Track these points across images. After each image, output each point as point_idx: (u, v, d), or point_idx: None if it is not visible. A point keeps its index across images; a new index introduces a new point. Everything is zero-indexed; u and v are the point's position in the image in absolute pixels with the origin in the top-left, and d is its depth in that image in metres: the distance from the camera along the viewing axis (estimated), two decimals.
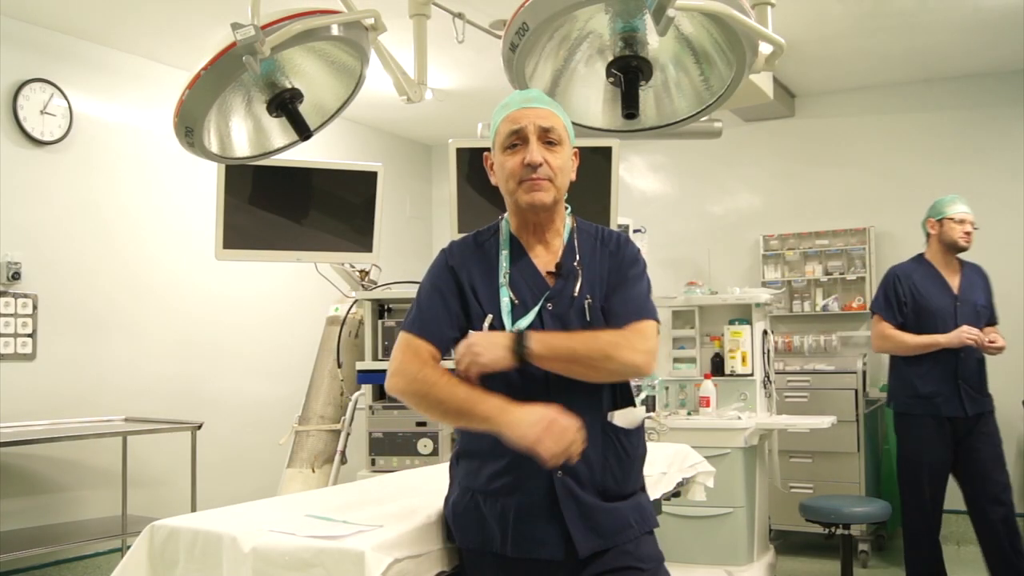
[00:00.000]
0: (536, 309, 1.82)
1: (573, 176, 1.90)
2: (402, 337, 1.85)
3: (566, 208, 1.93)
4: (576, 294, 1.83)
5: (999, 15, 4.71)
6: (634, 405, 1.88)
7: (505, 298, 1.83)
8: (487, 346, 1.74)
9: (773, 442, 4.74)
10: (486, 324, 1.82)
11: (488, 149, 1.92)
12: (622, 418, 1.85)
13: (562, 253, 1.88)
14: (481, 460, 1.83)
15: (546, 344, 1.73)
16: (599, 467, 1.80)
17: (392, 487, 2.37)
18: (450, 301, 1.85)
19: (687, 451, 2.95)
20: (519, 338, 1.73)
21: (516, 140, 1.82)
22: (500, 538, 1.79)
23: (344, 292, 4.11)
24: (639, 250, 1.93)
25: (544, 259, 1.88)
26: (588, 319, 1.81)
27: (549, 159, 1.81)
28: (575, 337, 1.76)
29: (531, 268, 1.86)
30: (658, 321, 1.85)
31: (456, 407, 1.74)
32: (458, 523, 1.85)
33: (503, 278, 1.84)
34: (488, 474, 1.81)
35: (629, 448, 1.85)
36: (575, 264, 1.85)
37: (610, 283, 1.85)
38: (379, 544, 1.71)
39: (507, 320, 1.81)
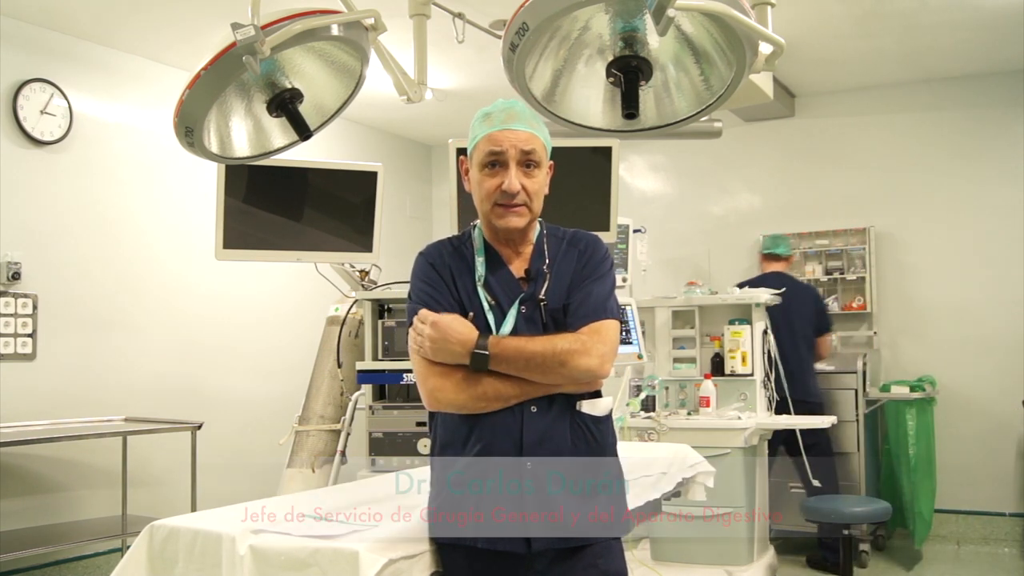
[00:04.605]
0: (514, 313, 1.86)
1: (546, 191, 1.95)
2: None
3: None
4: (543, 296, 1.87)
5: (999, 15, 4.71)
6: (600, 396, 1.91)
7: (483, 301, 1.87)
8: (445, 352, 1.79)
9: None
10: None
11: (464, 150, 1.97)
12: (591, 406, 1.88)
13: (531, 258, 1.93)
14: (455, 451, 1.86)
15: (503, 350, 1.78)
16: (569, 456, 1.83)
17: (390, 487, 2.37)
18: (443, 290, 1.89)
19: (687, 451, 2.95)
20: (477, 359, 1.77)
21: (495, 161, 1.87)
22: (471, 529, 1.81)
23: (344, 292, 4.11)
24: (608, 250, 1.98)
25: (517, 264, 1.93)
26: (546, 321, 1.86)
27: (527, 184, 1.87)
28: (532, 343, 1.80)
29: (506, 272, 1.92)
30: (619, 319, 1.90)
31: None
32: (434, 517, 1.88)
33: (479, 281, 1.89)
34: (462, 464, 1.84)
35: (599, 436, 1.89)
36: (544, 268, 1.91)
37: (573, 281, 1.90)
38: (374, 544, 1.72)
39: (490, 318, 1.86)
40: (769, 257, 5.38)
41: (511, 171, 1.85)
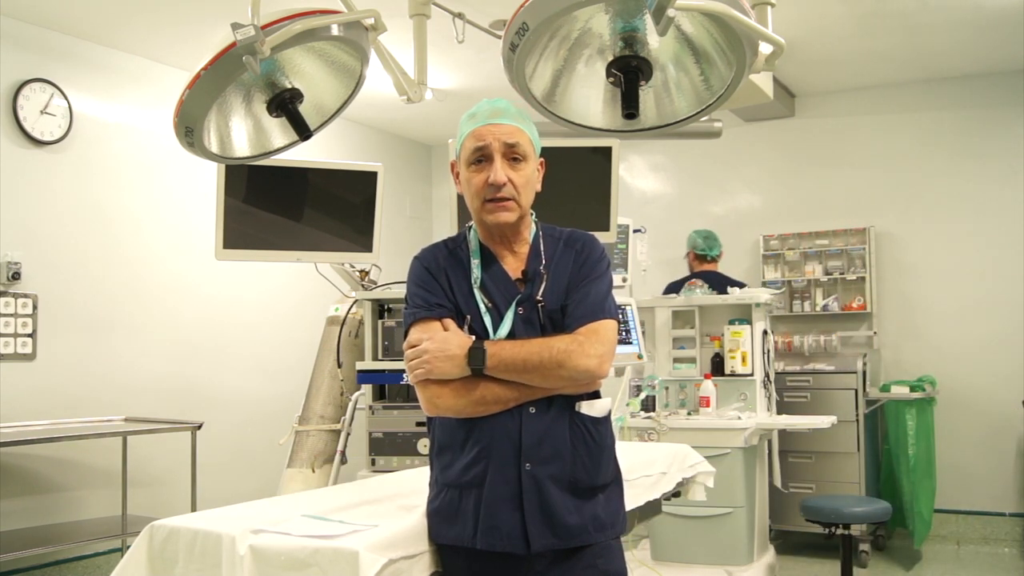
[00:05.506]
0: (511, 315, 1.85)
1: (538, 187, 1.94)
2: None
3: (531, 214, 1.97)
4: (540, 297, 1.87)
5: (999, 15, 4.71)
6: (599, 397, 1.91)
7: (480, 303, 1.87)
8: (441, 360, 1.79)
9: (774, 442, 4.74)
10: (465, 327, 1.86)
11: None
12: (590, 407, 1.87)
13: (528, 258, 1.92)
14: (453, 453, 1.86)
15: (499, 357, 1.78)
16: (569, 457, 1.82)
17: (390, 487, 2.37)
18: (439, 293, 1.89)
19: (687, 451, 2.95)
20: (474, 355, 1.77)
21: (481, 156, 1.86)
22: (470, 531, 1.81)
23: (344, 292, 4.11)
24: (605, 250, 1.97)
25: (513, 265, 1.92)
26: (543, 322, 1.85)
27: (513, 177, 1.86)
28: (528, 346, 1.79)
29: (502, 274, 1.91)
30: (616, 319, 1.89)
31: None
32: (434, 519, 1.88)
33: (475, 283, 1.88)
34: (460, 466, 1.84)
35: (598, 437, 1.88)
36: (541, 268, 1.90)
37: (571, 281, 1.89)
38: (374, 544, 1.72)
39: (487, 321, 1.85)
40: (701, 258, 5.35)
41: (496, 164, 1.85)
